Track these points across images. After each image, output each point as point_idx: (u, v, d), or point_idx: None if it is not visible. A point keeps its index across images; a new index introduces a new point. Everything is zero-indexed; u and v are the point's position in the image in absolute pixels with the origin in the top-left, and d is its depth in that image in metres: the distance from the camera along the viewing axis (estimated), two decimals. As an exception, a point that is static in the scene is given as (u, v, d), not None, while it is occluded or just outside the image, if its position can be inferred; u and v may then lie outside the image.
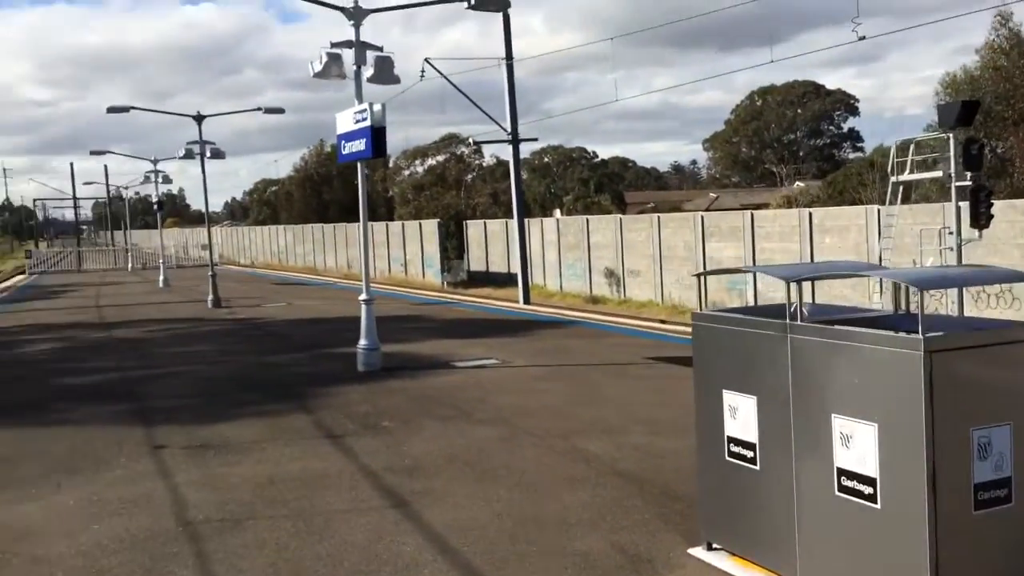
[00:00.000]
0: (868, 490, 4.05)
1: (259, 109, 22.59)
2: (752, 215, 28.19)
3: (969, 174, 14.76)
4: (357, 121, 11.10)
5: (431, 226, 46.14)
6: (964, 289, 15.75)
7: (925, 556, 3.80)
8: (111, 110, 21.94)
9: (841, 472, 4.18)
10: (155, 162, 31.36)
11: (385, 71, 11.28)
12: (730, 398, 5.02)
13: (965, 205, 15.10)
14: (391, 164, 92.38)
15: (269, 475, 7.11)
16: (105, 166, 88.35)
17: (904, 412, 3.86)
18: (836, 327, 4.30)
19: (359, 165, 11.79)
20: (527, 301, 31.18)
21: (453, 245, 47.23)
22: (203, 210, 26.33)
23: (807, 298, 4.98)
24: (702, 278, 5.58)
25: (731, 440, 5.01)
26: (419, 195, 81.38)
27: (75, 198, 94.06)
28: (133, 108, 22.22)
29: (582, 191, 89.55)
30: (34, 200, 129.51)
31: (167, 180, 32.05)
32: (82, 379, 12.25)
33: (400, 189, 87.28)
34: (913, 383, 3.80)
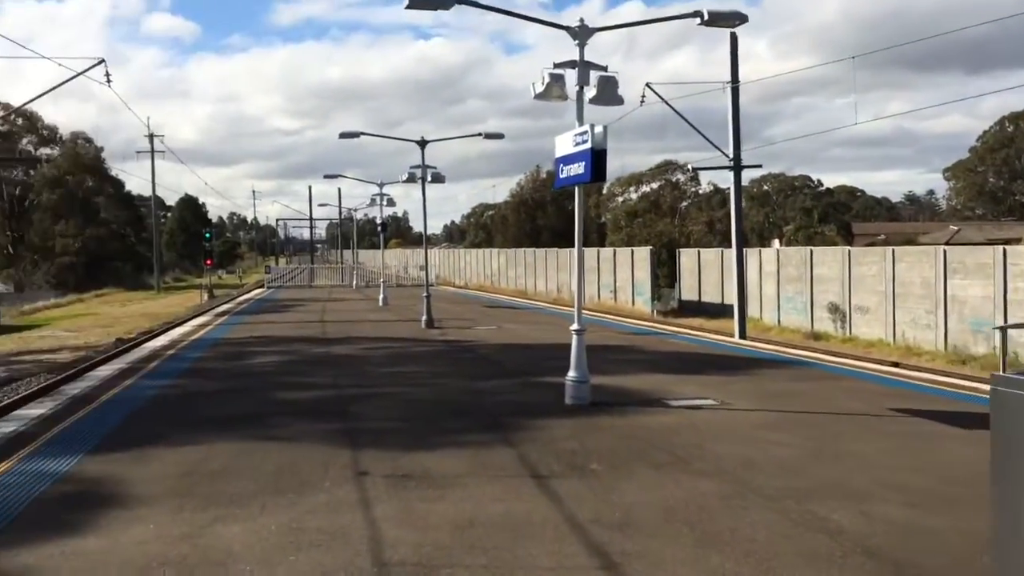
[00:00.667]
0: None
1: (480, 135, 22.91)
2: (1004, 250, 25.05)
3: None
4: (577, 143, 10.57)
5: (643, 253, 45.28)
6: None
7: None
8: (343, 135, 23.07)
9: None
10: (381, 185, 32.83)
11: (608, 91, 10.71)
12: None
13: None
14: (605, 190, 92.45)
15: (470, 516, 6.62)
16: (339, 189, 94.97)
17: None
18: None
19: (577, 190, 11.26)
20: (743, 335, 29.57)
21: (664, 273, 46.10)
22: (423, 232, 27.07)
23: None
24: (1003, 331, 4.42)
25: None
26: (632, 222, 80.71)
27: (311, 219, 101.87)
28: (363, 134, 23.25)
29: (804, 221, 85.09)
30: (277, 220, 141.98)
31: (391, 203, 33.47)
32: (300, 394, 12.55)
33: (613, 215, 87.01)
34: None
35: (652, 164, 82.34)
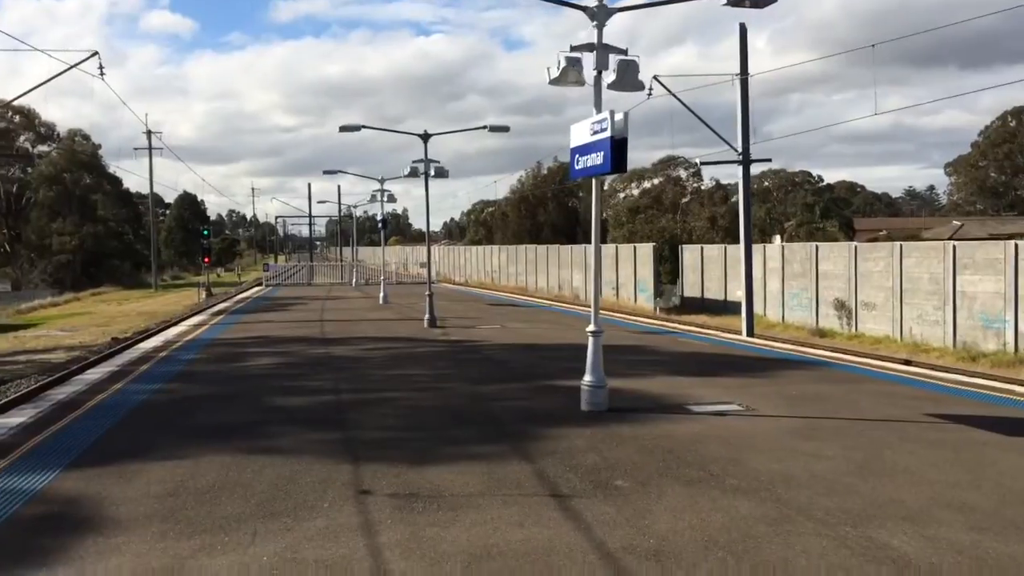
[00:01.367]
0: None
1: (485, 127, 22.16)
2: (1016, 245, 24.38)
3: None
4: (595, 132, 9.84)
5: (645, 249, 44.64)
6: None
7: None
8: (343, 129, 22.32)
9: None
10: (381, 181, 32.09)
11: (628, 76, 9.96)
12: None
13: None
14: (607, 186, 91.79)
15: (486, 544, 5.90)
16: (338, 186, 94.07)
17: None
18: None
19: (594, 181, 10.54)
20: (751, 333, 28.86)
21: (666, 270, 45.45)
22: (423, 229, 26.38)
23: None
24: None
25: None
26: (634, 218, 80.00)
27: (310, 216, 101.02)
28: (364, 127, 22.52)
29: (806, 216, 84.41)
30: (276, 217, 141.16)
31: (392, 199, 32.74)
32: (296, 400, 11.82)
33: (615, 211, 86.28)
34: None
35: (653, 160, 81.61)
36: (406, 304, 32.34)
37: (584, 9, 10.09)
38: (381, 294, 33.65)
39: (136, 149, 74.30)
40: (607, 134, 9.57)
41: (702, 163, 31.74)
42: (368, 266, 73.80)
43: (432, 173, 21.99)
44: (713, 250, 42.25)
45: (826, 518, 6.36)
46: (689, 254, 43.83)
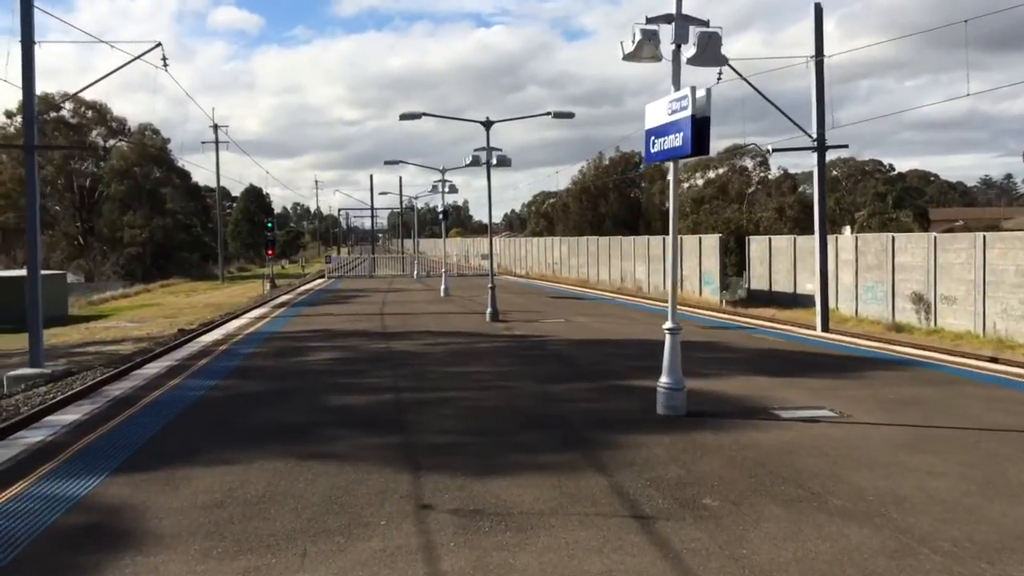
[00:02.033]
0: None
1: (549, 114, 21.38)
2: (1113, 234, 22.69)
3: None
4: (673, 111, 9.02)
5: (711, 241, 43.42)
6: None
7: None
8: (403, 116, 21.79)
9: None
10: (443, 171, 31.57)
11: (711, 50, 9.10)
12: None
13: None
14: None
15: (561, 575, 5.19)
16: (400, 178, 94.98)
17: None
18: None
19: (672, 166, 9.71)
20: (826, 328, 27.63)
21: (732, 262, 44.15)
22: (484, 221, 25.82)
23: None
24: None
25: None
26: (698, 208, 78.36)
27: (372, 208, 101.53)
28: (425, 115, 21.92)
29: (878, 206, 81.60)
30: (339, 210, 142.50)
31: (453, 189, 32.19)
32: (354, 399, 11.27)
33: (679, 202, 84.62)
34: None
35: (719, 149, 79.67)
36: (467, 297, 31.82)
37: (662, -23, 9.25)
38: (442, 286, 33.19)
39: (203, 143, 75.13)
40: (687, 113, 8.74)
41: (774, 150, 30.40)
42: (429, 258, 73.71)
43: (494, 162, 21.32)
44: (782, 241, 40.94)
45: (955, 551, 5.49)
46: (756, 245, 42.51)
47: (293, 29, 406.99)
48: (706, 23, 9.18)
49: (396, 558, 5.52)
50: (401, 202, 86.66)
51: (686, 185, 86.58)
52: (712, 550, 5.56)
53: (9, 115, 71.72)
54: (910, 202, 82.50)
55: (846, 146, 37.41)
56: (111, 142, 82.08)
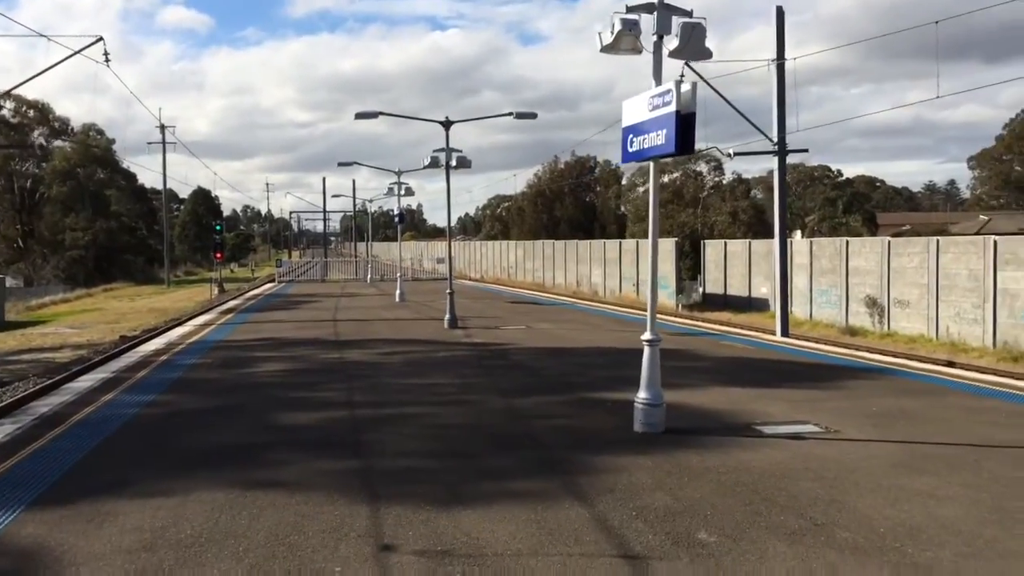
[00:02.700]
0: None
1: (511, 114, 20.67)
2: (1063, 240, 22.88)
3: None
4: (655, 107, 8.36)
5: (667, 245, 43.24)
6: None
7: None
8: (359, 116, 20.87)
9: None
10: (399, 173, 30.68)
11: (694, 42, 8.45)
12: None
13: None
14: (625, 180, 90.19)
15: (548, 635, 4.46)
16: (353, 180, 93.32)
17: None
18: None
19: (652, 167, 9.03)
20: (786, 333, 27.44)
21: (687, 266, 44.10)
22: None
23: None
24: None
25: None
26: (653, 212, 78.28)
27: (324, 211, 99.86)
28: (381, 114, 21.06)
29: (828, 211, 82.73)
30: (290, 212, 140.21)
31: (409, 192, 31.31)
32: (306, 416, 10.39)
33: (634, 206, 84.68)
34: None
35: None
36: (423, 302, 30.96)
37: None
38: (397, 291, 32.29)
39: (150, 144, 72.88)
40: (671, 108, 8.08)
41: (736, 153, 30.09)
42: (383, 262, 72.57)
43: (454, 163, 20.53)
44: (737, 245, 41.01)
45: (989, 596, 4.89)
46: (711, 249, 42.51)
47: (244, 30, 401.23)
48: (689, 13, 8.54)
49: (354, 615, 4.74)
50: (354, 205, 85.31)
51: (640, 190, 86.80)
52: (718, 599, 4.87)
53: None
54: (859, 207, 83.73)
55: (806, 150, 37.55)
56: (54, 142, 79.45)
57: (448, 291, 21.69)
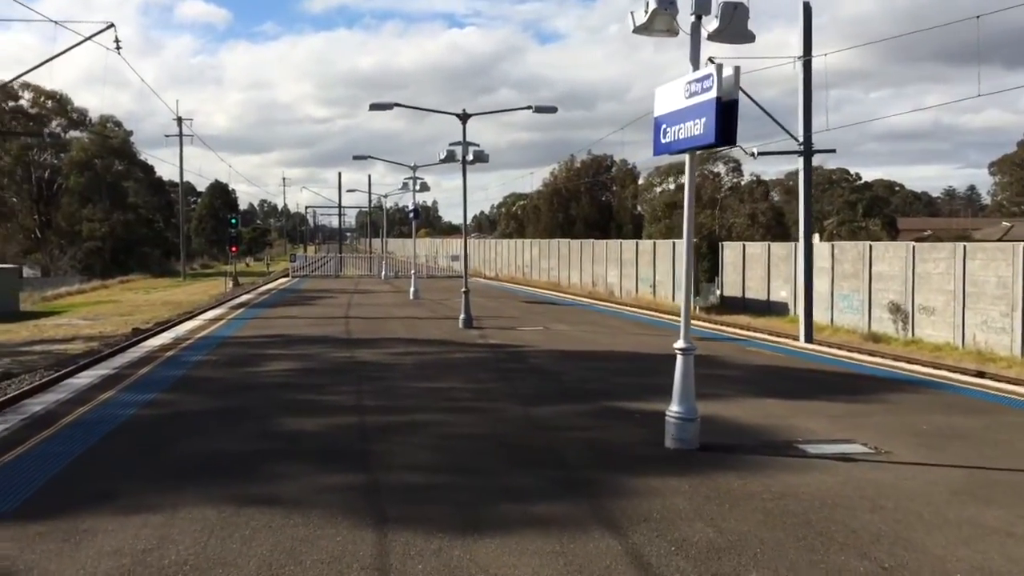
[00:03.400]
0: None
1: (530, 107, 19.95)
2: (1100, 247, 22.01)
3: None
4: (692, 94, 7.63)
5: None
6: None
7: None
8: (373, 107, 20.22)
9: None
10: (414, 168, 30.01)
11: (736, 24, 7.70)
12: None
13: None
14: (642, 180, 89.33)
15: None
16: (368, 176, 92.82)
17: None
18: None
19: (688, 159, 8.28)
20: (810, 339, 26.63)
21: (704, 268, 43.28)
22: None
23: None
24: None
25: None
26: (671, 213, 77.69)
27: (340, 206, 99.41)
28: (397, 105, 20.38)
29: (848, 215, 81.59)
30: (306, 207, 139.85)
31: (425, 188, 30.59)
32: (311, 421, 9.72)
33: (650, 207, 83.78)
34: None
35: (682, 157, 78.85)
36: (438, 300, 30.30)
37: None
38: (411, 288, 31.63)
39: (167, 136, 73.24)
40: (711, 95, 7.35)
41: (760, 153, 29.21)
42: (398, 258, 72.06)
43: (471, 157, 19.82)
44: (756, 248, 40.24)
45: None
46: (730, 251, 41.73)
47: (262, 24, 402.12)
48: (733, -10, 7.77)
49: (353, 672, 4.04)
50: (370, 200, 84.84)
51: (658, 190, 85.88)
52: (782, 664, 4.14)
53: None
54: (878, 211, 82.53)
55: (833, 150, 36.58)
56: (71, 133, 79.37)
57: (463, 290, 20.99)
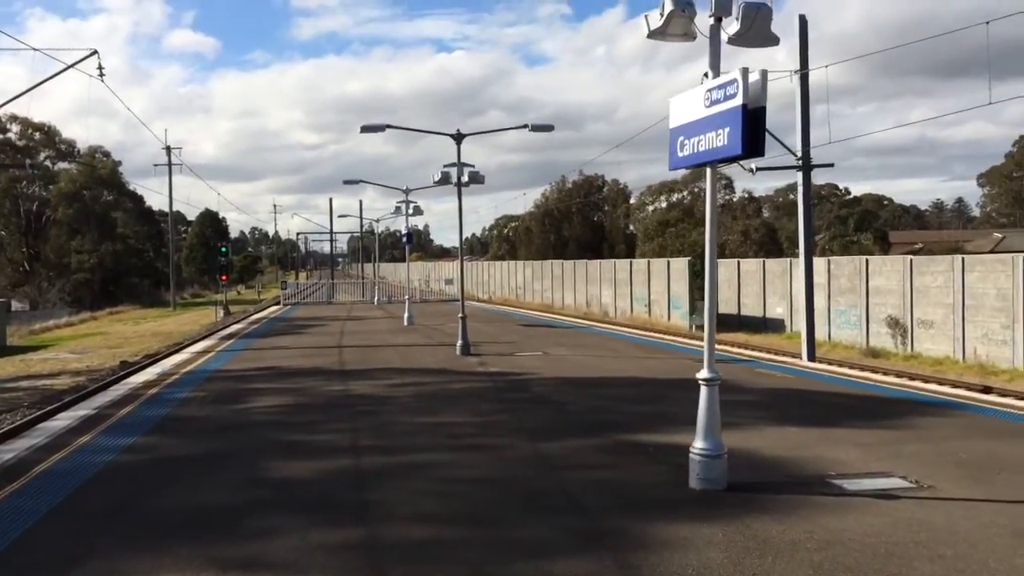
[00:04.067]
0: None
1: (526, 126, 19.41)
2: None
3: None
4: (714, 102, 7.01)
5: (680, 264, 42.17)
6: None
7: None
8: (364, 129, 19.65)
9: None
10: (407, 191, 29.43)
11: (759, 26, 7.09)
12: None
13: None
14: (634, 199, 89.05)
15: None
16: (360, 201, 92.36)
17: None
18: None
19: (708, 172, 7.64)
20: (812, 357, 26.11)
21: (698, 285, 42.84)
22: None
23: None
24: None
25: None
26: (664, 231, 77.36)
27: (331, 232, 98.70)
28: (388, 127, 19.84)
29: (839, 229, 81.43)
30: (297, 234, 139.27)
31: (418, 211, 30.02)
32: (303, 465, 8.98)
33: (643, 225, 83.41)
34: None
35: (673, 176, 78.76)
36: (433, 326, 29.59)
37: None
38: (406, 314, 30.92)
39: (156, 166, 72.03)
40: (736, 102, 6.74)
41: (758, 169, 28.71)
42: (390, 283, 71.38)
43: (466, 178, 19.22)
44: (751, 264, 39.96)
45: None
46: (724, 269, 41.40)
47: (251, 52, 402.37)
48: (752, -8, 7.18)
49: None
50: (361, 225, 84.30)
51: (651, 208, 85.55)
52: None
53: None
54: (869, 225, 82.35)
55: (831, 164, 36.12)
56: (60, 165, 78.76)
57: (460, 315, 20.31)
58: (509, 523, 6.81)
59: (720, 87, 6.96)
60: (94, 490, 8.24)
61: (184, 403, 13.59)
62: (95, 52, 23.10)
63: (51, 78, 23.34)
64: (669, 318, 41.60)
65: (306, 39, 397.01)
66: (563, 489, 7.85)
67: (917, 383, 16.91)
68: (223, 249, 54.40)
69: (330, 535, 6.58)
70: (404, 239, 32.57)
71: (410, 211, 29.51)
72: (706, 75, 7.33)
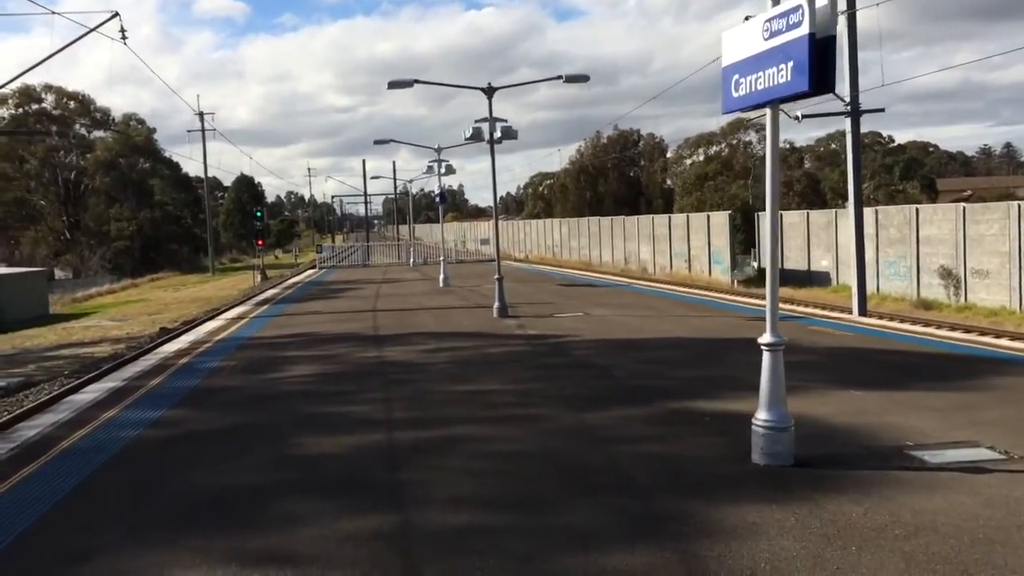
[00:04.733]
0: None
1: (560, 77, 18.51)
2: None
3: None
4: (774, 33, 6.18)
5: (720, 218, 41.09)
6: None
7: None
8: (392, 85, 18.84)
9: None
10: (438, 150, 28.68)
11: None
12: None
13: None
14: (670, 153, 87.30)
15: None
16: (393, 162, 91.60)
17: None
18: None
19: (770, 113, 6.79)
20: (863, 311, 25.13)
21: (740, 240, 41.72)
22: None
23: None
24: None
25: None
26: (702, 185, 75.77)
27: (365, 194, 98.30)
28: (417, 82, 19.02)
29: (884, 178, 79.03)
30: (332, 197, 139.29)
31: (451, 170, 29.27)
32: (333, 441, 8.43)
33: (681, 180, 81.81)
34: None
35: (721, 124, 76.75)
36: (469, 287, 29.01)
37: None
38: (441, 276, 30.37)
39: (189, 132, 71.90)
40: (801, 31, 5.90)
41: (804, 116, 27.39)
42: (425, 244, 70.90)
43: (498, 134, 18.42)
44: (794, 216, 38.73)
45: None
46: (766, 222, 40.02)
47: (280, 16, 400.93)
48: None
49: None
50: (395, 187, 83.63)
51: (688, 162, 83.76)
52: None
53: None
54: (915, 173, 79.75)
55: (882, 110, 34.65)
56: (96, 133, 79.07)
57: (496, 276, 19.66)
58: (555, 506, 6.18)
59: (782, 15, 6.12)
60: (112, 471, 7.77)
61: (214, 373, 13.17)
62: (116, 14, 22.52)
63: (74, 42, 22.93)
64: (710, 273, 40.73)
65: (334, 1, 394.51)
66: (612, 465, 7.20)
67: (983, 338, 15.99)
68: (258, 214, 54.26)
69: (360, 522, 6.00)
70: (438, 199, 31.88)
71: (442, 170, 28.78)
72: (747, 18, 6.51)
